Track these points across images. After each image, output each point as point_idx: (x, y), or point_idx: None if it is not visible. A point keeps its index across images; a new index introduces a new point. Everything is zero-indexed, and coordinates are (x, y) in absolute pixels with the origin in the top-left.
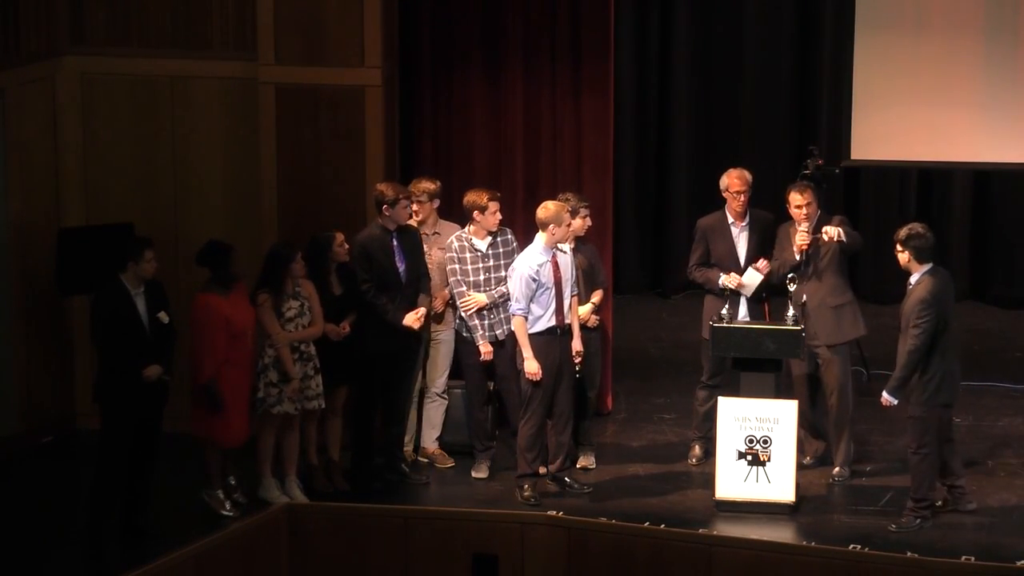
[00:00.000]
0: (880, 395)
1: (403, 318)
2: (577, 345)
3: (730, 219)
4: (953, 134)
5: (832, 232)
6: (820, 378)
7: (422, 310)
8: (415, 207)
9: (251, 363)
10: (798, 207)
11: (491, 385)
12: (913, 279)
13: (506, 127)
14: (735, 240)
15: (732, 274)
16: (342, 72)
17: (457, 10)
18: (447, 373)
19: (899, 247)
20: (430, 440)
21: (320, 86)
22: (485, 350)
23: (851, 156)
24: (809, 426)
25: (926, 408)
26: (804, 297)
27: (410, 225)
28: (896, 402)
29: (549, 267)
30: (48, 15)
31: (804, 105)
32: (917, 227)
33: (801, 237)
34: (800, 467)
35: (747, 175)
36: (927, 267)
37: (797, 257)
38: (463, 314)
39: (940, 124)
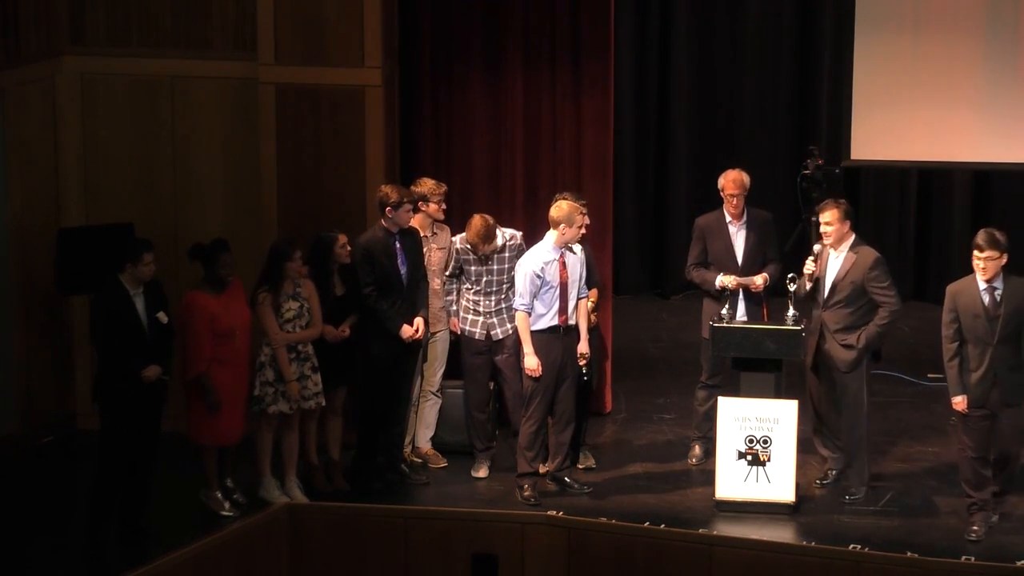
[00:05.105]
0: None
1: (402, 326)
2: (583, 347)
3: (728, 218)
4: (953, 134)
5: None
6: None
7: (419, 321)
8: (434, 207)
9: (245, 363)
10: (824, 223)
11: (492, 385)
12: (1000, 283)
13: (506, 127)
14: (732, 239)
15: (729, 276)
16: (342, 72)
17: (457, 10)
18: (443, 371)
19: (996, 252)
20: (424, 440)
21: (320, 86)
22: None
23: (851, 156)
24: (828, 441)
25: None
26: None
27: (412, 227)
28: None
29: (556, 266)
30: (48, 15)
31: (804, 105)
32: (994, 231)
33: (807, 266)
34: (820, 484)
35: (743, 178)
36: None
37: (808, 284)
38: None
39: (940, 124)
